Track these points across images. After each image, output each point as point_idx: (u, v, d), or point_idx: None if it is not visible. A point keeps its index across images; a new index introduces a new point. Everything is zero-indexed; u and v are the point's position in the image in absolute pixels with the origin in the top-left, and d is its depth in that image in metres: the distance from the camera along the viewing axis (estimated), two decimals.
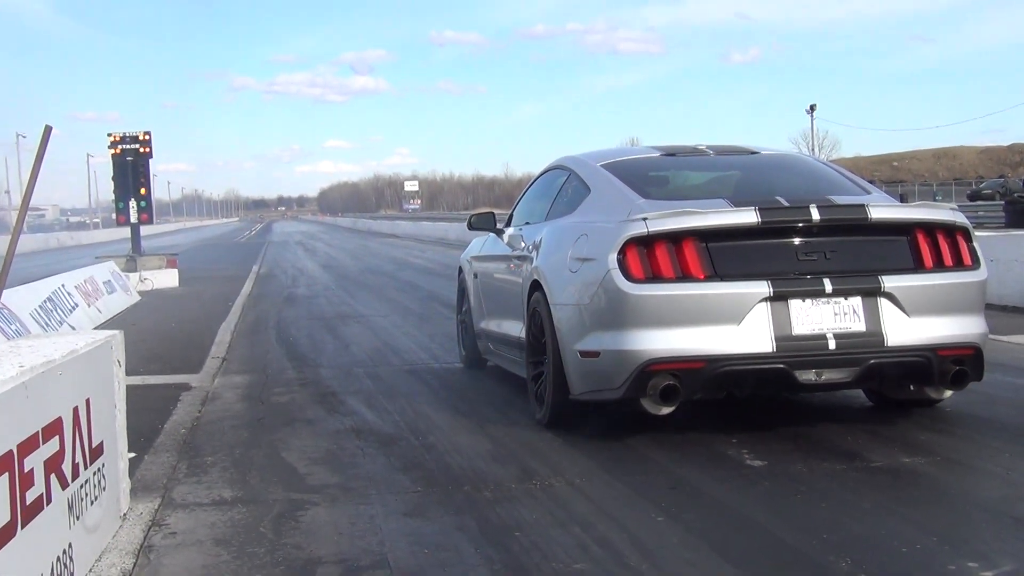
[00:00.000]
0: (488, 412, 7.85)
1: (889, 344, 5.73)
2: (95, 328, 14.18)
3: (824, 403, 7.59)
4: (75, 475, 4.19)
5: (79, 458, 4.27)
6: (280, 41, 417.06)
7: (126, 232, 26.95)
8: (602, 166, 7.09)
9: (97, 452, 4.58)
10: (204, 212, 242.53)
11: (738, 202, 5.97)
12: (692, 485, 5.56)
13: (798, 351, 5.66)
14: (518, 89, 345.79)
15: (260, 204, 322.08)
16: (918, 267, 5.91)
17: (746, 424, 6.88)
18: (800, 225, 5.75)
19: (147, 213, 24.53)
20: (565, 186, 7.49)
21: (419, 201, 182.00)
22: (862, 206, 5.86)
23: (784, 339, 5.63)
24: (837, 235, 5.85)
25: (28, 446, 3.59)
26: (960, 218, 6.07)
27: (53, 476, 3.87)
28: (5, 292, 6.86)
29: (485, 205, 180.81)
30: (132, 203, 24.00)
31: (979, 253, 6.10)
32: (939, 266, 5.92)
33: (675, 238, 5.68)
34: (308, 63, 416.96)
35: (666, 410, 5.98)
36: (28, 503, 3.53)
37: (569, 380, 6.30)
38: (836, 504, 5.11)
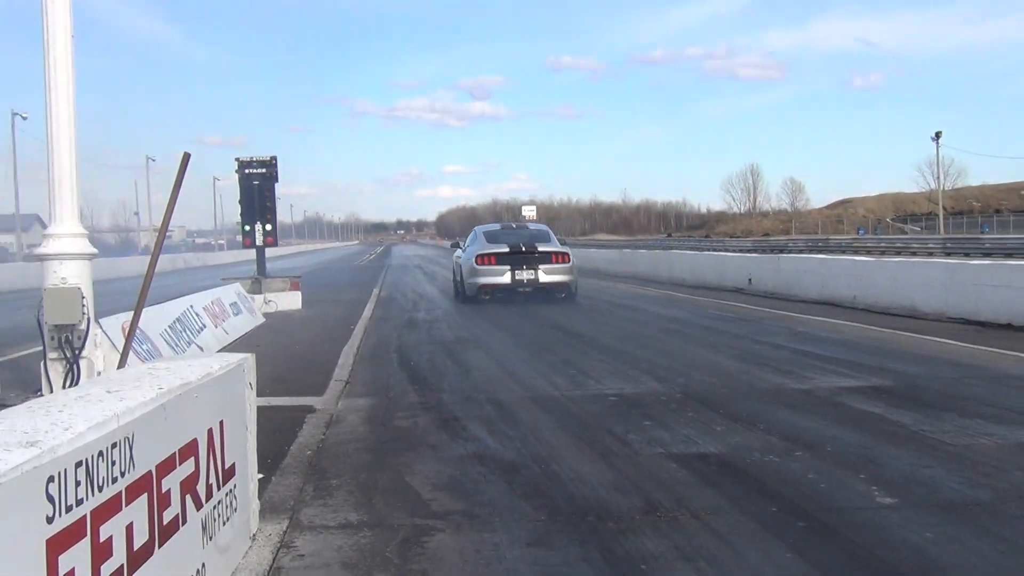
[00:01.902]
0: (609, 441, 7.78)
1: (540, 281, 21.69)
2: (221, 349, 14.54)
3: (950, 442, 7.35)
4: (209, 496, 4.28)
5: (213, 479, 4.36)
6: (401, 67, 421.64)
7: (251, 254, 27.52)
8: (482, 232, 23.79)
9: (229, 473, 4.68)
10: (325, 235, 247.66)
11: (509, 245, 22.18)
12: (821, 521, 5.41)
13: (516, 283, 21.56)
14: (636, 114, 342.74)
15: (379, 227, 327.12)
16: (552, 262, 21.76)
17: (873, 461, 6.68)
18: (523, 252, 21.82)
19: (272, 236, 24.85)
20: (471, 236, 23.66)
21: None
22: (537, 246, 22.16)
23: (511, 280, 21.56)
24: (531, 255, 21.80)
25: (166, 467, 3.68)
26: (564, 248, 22.61)
27: (188, 497, 3.96)
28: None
29: (602, 231, 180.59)
30: (258, 226, 24.37)
31: (572, 256, 22.52)
32: (558, 262, 21.85)
33: (486, 256, 21.84)
34: (427, 88, 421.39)
35: (485, 298, 22.07)
36: (165, 523, 3.62)
37: (463, 290, 22.53)
38: (972, 545, 4.91)
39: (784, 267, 24.85)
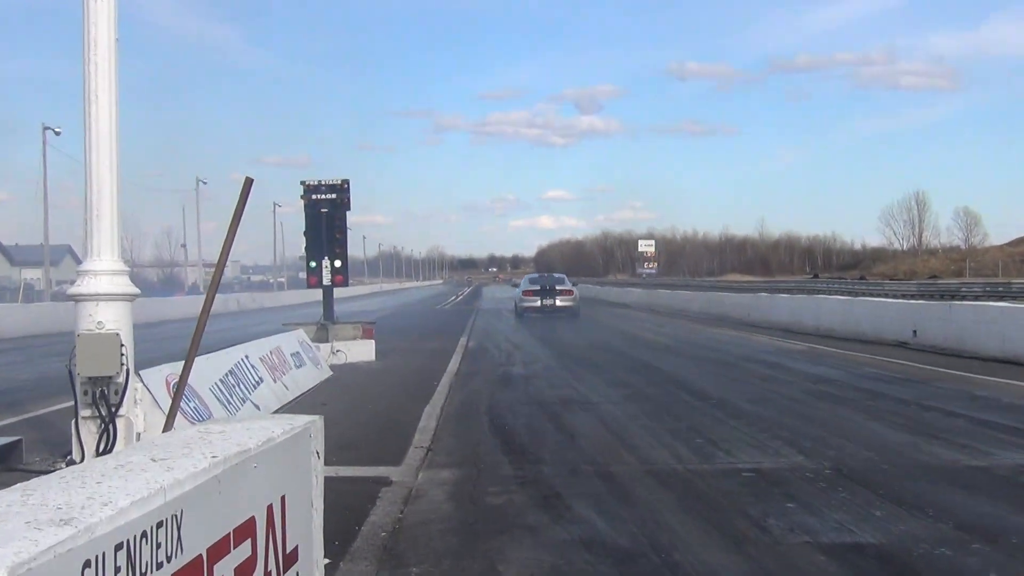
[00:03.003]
0: (744, 526, 7.67)
1: (557, 305, 45.63)
2: (281, 408, 14.70)
3: None
4: None
5: (272, 566, 4.38)
6: (492, 74, 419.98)
7: (316, 295, 27.80)
8: (527, 278, 52.57)
9: (291, 559, 4.70)
10: (404, 272, 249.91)
11: (540, 285, 48.00)
12: None
13: (540, 306, 45.96)
14: (775, 131, 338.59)
15: (467, 264, 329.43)
16: (563, 295, 46.17)
17: None
18: (544, 287, 47.16)
19: (342, 274, 24.75)
20: (523, 281, 53.46)
21: (655, 264, 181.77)
22: (556, 286, 47.15)
23: (541, 304, 45.82)
24: (552, 290, 46.62)
25: (218, 551, 3.70)
26: (570, 287, 47.73)
27: None
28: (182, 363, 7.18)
29: (734, 270, 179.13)
30: (325, 262, 24.33)
31: (575, 289, 47.97)
32: (566, 293, 46.32)
33: (528, 292, 47.37)
34: (524, 100, 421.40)
35: (532, 315, 46.43)
36: None
37: (517, 309, 48.41)
38: None
39: (956, 317, 24.33)
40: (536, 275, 55.77)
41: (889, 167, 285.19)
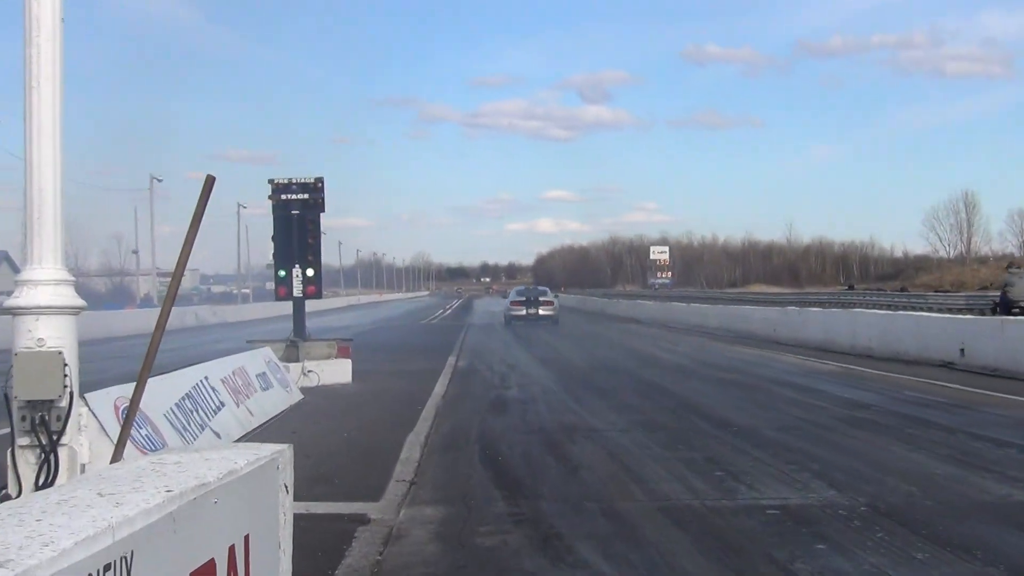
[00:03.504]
0: (767, 569, 7.71)
1: (540, 314, 59.58)
2: (244, 436, 14.69)
3: None
4: None
5: None
6: (485, 57, 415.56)
7: (286, 308, 27.74)
8: (514, 291, 72.98)
9: None
10: (385, 282, 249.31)
11: (526, 296, 63.64)
12: None
13: (525, 315, 59.93)
14: (804, 124, 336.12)
15: (458, 273, 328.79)
16: (545, 305, 60.56)
17: None
18: (529, 299, 62.05)
19: (315, 284, 24.53)
20: (511, 292, 72.66)
21: (670, 273, 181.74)
22: (539, 297, 62.41)
23: (526, 312, 60.53)
24: (538, 300, 61.30)
25: None
26: (552, 298, 63.55)
27: None
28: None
29: (759, 280, 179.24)
30: (296, 270, 24.07)
31: (555, 301, 63.56)
32: (548, 304, 60.86)
33: (515, 302, 62.32)
34: (522, 88, 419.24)
35: (517, 323, 59.35)
36: None
37: (505, 317, 62.29)
38: None
39: (1011, 334, 24.36)
40: (523, 288, 77.11)
41: (934, 164, 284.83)
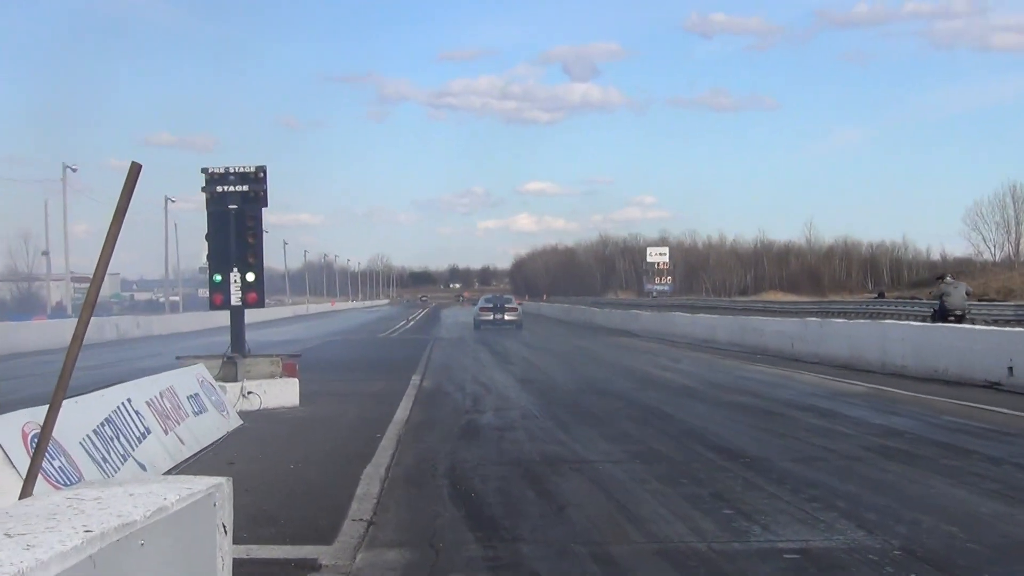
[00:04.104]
0: None
1: (505, 319, 77.30)
2: (174, 468, 14.65)
3: None
4: None
5: None
6: (454, 30, 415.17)
7: (222, 319, 27.71)
8: (482, 298, 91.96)
9: None
10: (338, 289, 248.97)
11: (493, 303, 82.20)
12: None
13: (492, 319, 78.04)
14: (826, 106, 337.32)
15: (422, 279, 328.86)
16: (510, 311, 78.63)
17: None
18: (496, 306, 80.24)
19: (256, 291, 24.23)
20: (480, 300, 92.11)
21: (670, 279, 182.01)
22: (504, 305, 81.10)
23: (493, 317, 78.77)
24: (503, 307, 79.64)
25: None
26: (516, 305, 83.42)
27: None
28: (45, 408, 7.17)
29: (774, 287, 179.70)
30: (234, 275, 23.80)
31: (519, 307, 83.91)
32: (512, 310, 79.00)
33: (483, 308, 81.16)
34: (498, 63, 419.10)
35: (486, 328, 77.92)
36: None
37: (474, 322, 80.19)
38: None
39: None
40: (491, 296, 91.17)
41: (977, 153, 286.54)
